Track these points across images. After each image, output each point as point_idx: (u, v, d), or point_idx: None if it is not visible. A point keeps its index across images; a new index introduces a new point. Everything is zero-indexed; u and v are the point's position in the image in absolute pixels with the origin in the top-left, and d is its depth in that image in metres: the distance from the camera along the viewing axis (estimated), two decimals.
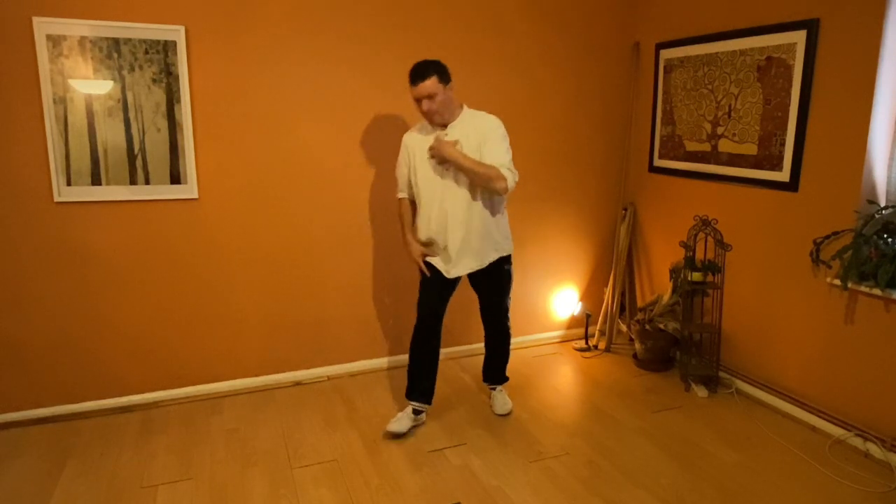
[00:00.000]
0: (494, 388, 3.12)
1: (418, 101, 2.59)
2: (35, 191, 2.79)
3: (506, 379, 3.14)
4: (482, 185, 2.61)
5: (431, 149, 2.62)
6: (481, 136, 2.63)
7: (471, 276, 2.83)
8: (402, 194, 2.86)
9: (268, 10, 3.00)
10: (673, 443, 2.76)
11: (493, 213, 2.74)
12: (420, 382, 2.85)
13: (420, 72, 2.54)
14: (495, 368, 3.10)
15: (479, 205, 2.69)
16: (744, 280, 3.22)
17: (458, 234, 2.69)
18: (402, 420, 2.83)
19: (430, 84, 2.53)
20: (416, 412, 2.88)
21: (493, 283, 2.87)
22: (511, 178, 2.60)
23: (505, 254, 2.83)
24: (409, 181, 2.79)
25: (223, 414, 3.05)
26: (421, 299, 2.84)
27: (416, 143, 2.74)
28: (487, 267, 2.79)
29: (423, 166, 2.70)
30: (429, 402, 2.89)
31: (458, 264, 2.74)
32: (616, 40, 3.78)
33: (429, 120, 2.66)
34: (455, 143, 2.61)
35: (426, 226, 2.75)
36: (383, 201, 3.38)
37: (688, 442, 2.77)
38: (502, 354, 3.08)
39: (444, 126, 2.68)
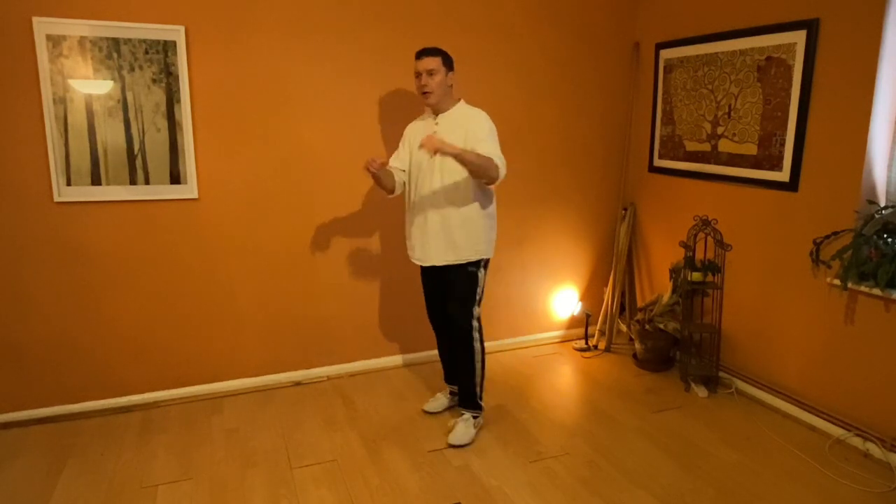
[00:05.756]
0: (462, 414, 2.82)
1: (418, 76, 2.62)
2: (35, 191, 2.79)
3: (475, 405, 2.81)
4: (477, 174, 2.51)
5: (422, 144, 2.51)
6: (466, 129, 2.60)
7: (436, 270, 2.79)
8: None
9: (268, 10, 3.00)
10: (673, 443, 2.76)
11: (464, 214, 2.64)
12: (451, 370, 3.02)
13: (429, 49, 2.63)
14: (461, 387, 2.83)
15: (456, 199, 2.64)
16: (744, 280, 3.22)
17: (426, 224, 2.71)
18: (439, 400, 3.04)
19: (434, 61, 2.60)
20: (454, 393, 3.02)
21: (449, 285, 2.75)
22: (501, 167, 2.54)
23: (464, 261, 2.69)
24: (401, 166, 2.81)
25: (223, 414, 3.05)
26: (425, 302, 2.97)
27: (412, 131, 2.80)
28: (445, 267, 2.71)
29: (415, 153, 2.73)
30: None
31: (426, 254, 2.74)
32: (616, 40, 3.78)
33: (422, 97, 2.66)
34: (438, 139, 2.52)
35: (408, 211, 2.81)
36: (383, 200, 3.38)
37: (688, 442, 2.77)
38: (466, 373, 2.79)
39: (436, 113, 2.71)
